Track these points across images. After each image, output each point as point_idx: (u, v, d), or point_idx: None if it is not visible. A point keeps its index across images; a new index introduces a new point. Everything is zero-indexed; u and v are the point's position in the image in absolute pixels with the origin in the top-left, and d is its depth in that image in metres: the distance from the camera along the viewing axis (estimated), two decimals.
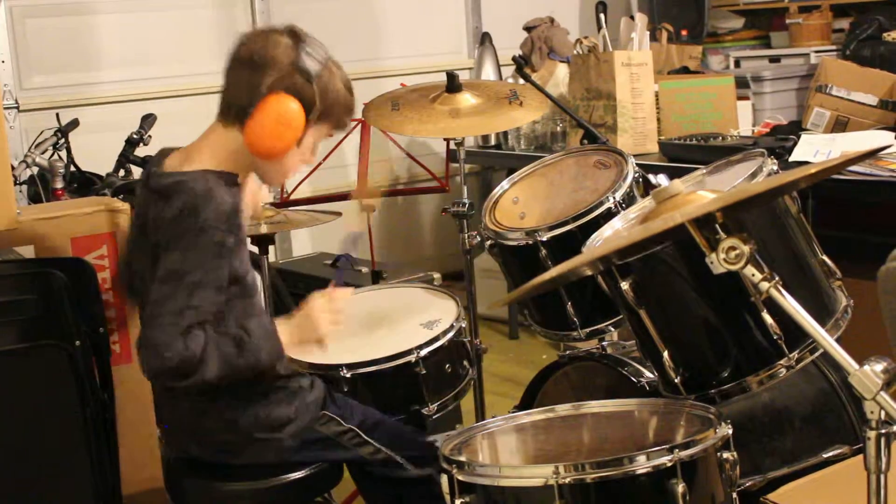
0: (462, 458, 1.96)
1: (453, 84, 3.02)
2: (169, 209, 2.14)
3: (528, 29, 5.24)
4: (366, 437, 2.40)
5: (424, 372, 2.64)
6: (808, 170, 1.82)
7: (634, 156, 2.89)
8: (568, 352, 2.83)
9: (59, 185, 3.77)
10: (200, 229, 2.10)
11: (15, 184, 3.49)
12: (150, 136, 4.01)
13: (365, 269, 4.45)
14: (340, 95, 2.24)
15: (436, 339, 2.69)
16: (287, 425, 2.31)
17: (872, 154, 1.85)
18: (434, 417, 2.69)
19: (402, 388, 2.65)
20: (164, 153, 2.34)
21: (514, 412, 2.28)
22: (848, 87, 4.24)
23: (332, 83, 2.22)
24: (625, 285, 2.11)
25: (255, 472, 2.35)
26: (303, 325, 2.25)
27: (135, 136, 3.97)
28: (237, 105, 2.19)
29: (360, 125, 4.15)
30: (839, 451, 2.39)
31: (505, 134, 4.94)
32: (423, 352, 2.64)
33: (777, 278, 1.73)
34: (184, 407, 2.30)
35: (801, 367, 2.09)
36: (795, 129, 4.22)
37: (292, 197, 4.02)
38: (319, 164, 4.17)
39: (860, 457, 1.68)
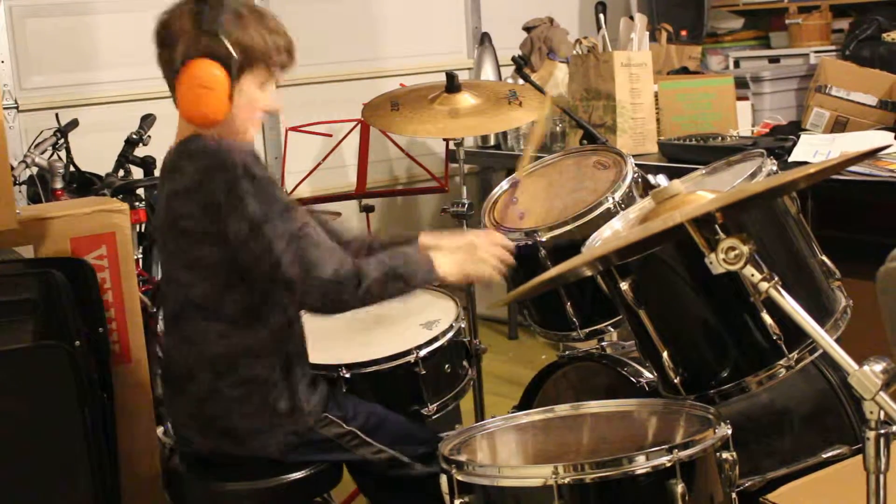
0: (461, 459, 1.96)
1: (453, 84, 3.02)
2: (181, 174, 2.18)
3: (527, 29, 5.23)
4: (367, 439, 2.40)
5: (424, 372, 2.64)
6: (807, 170, 1.82)
7: (634, 156, 2.89)
8: (567, 352, 2.83)
9: (59, 185, 3.76)
10: (243, 173, 2.12)
11: (14, 184, 3.49)
12: (149, 137, 4.01)
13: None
14: (259, 39, 2.21)
15: (435, 339, 2.69)
16: (289, 418, 2.30)
17: (872, 154, 1.86)
18: (433, 418, 2.69)
19: (401, 389, 2.65)
20: None
21: (513, 412, 2.28)
22: (847, 87, 4.24)
23: (246, 31, 2.20)
24: (624, 285, 2.11)
25: (254, 472, 2.34)
26: (469, 258, 2.35)
27: (134, 137, 3.97)
28: (170, 82, 2.23)
29: (359, 125, 4.16)
30: (838, 451, 2.39)
31: (504, 134, 4.93)
32: (423, 352, 2.64)
33: (776, 278, 1.73)
34: (189, 395, 2.31)
35: (801, 368, 2.09)
36: (795, 129, 4.21)
37: (292, 197, 4.02)
38: (319, 164, 4.19)
39: (859, 457, 1.68)
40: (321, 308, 2.21)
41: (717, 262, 1.73)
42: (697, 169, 2.62)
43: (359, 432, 2.39)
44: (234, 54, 2.17)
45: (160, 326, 2.57)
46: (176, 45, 2.18)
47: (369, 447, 2.40)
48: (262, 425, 2.29)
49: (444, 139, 3.69)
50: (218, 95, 2.17)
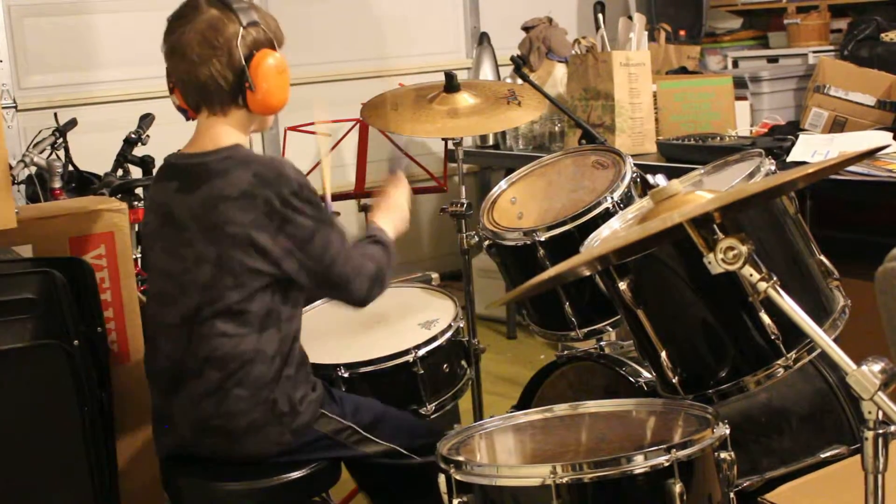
0: (460, 458, 1.96)
1: (451, 84, 3.02)
2: (234, 180, 2.24)
3: (526, 29, 5.23)
4: (365, 434, 2.40)
5: (422, 372, 2.64)
6: (805, 170, 1.82)
7: (632, 156, 2.89)
8: (566, 352, 2.83)
9: (58, 184, 3.76)
10: (298, 185, 2.25)
11: (13, 183, 3.48)
12: (148, 136, 4.01)
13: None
14: (270, 20, 2.35)
15: (434, 338, 2.69)
16: (288, 417, 2.31)
17: (870, 154, 1.86)
18: (432, 417, 2.69)
19: (399, 388, 2.65)
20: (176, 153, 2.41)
21: (511, 412, 2.28)
22: (846, 87, 4.25)
23: (264, 16, 2.34)
24: (623, 285, 2.11)
25: (253, 471, 2.35)
26: (399, 216, 2.63)
27: (133, 136, 3.96)
28: (225, 89, 2.27)
29: (357, 125, 4.16)
30: (837, 451, 2.39)
31: (503, 134, 4.93)
32: (421, 352, 2.65)
33: (775, 278, 1.73)
34: (187, 393, 2.31)
35: (799, 367, 2.09)
36: (793, 129, 4.22)
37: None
38: (318, 163, 4.19)
39: (858, 457, 1.68)
40: (364, 300, 2.38)
41: (716, 262, 1.73)
42: (696, 169, 2.62)
43: (357, 428, 2.40)
44: (274, 38, 2.30)
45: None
46: (231, 47, 2.24)
47: (368, 443, 2.40)
48: (261, 424, 2.29)
49: (443, 139, 3.69)
50: (288, 78, 2.32)
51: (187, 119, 2.39)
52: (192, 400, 2.31)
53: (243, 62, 2.24)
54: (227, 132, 2.32)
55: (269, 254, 2.24)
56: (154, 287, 2.41)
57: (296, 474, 2.35)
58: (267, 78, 2.26)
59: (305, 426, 2.34)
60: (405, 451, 2.42)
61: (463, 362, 2.82)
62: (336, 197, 4.14)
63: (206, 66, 2.25)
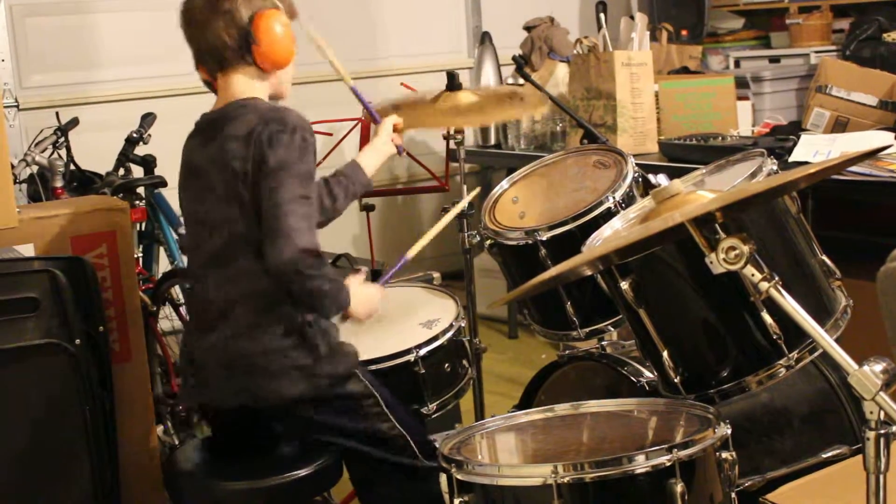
0: (461, 458, 1.96)
1: (453, 83, 3.02)
2: (243, 122, 2.34)
3: (528, 28, 5.23)
4: (386, 410, 2.43)
5: (423, 371, 2.64)
6: (807, 170, 1.82)
7: (634, 156, 2.89)
8: (567, 351, 2.83)
9: (59, 183, 3.77)
10: (292, 129, 2.33)
11: (15, 182, 3.49)
12: (149, 135, 4.01)
13: (365, 269, 4.44)
14: None
15: (435, 338, 2.69)
16: (328, 360, 2.35)
17: (872, 154, 1.86)
18: (433, 417, 2.69)
19: (401, 388, 2.64)
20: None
21: (513, 412, 2.28)
22: (848, 87, 4.24)
23: None
24: (624, 285, 2.11)
25: (254, 471, 2.35)
26: (384, 149, 2.76)
27: (134, 135, 3.97)
28: (231, 48, 2.39)
29: (359, 124, 4.15)
30: (838, 451, 2.39)
31: (505, 133, 4.93)
32: (423, 351, 2.65)
33: (776, 278, 1.73)
34: (220, 332, 2.35)
35: (801, 368, 2.09)
36: (795, 129, 4.21)
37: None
38: (319, 163, 4.18)
39: (859, 457, 1.68)
40: (277, 267, 2.28)
41: (718, 262, 1.73)
42: (698, 168, 2.62)
43: (380, 400, 2.43)
44: (279, 5, 2.41)
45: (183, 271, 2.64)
46: (234, 8, 2.35)
47: (386, 420, 2.43)
48: (298, 363, 2.33)
49: (445, 138, 3.69)
50: (291, 38, 2.43)
51: (214, 92, 2.50)
52: (224, 340, 2.35)
53: (245, 20, 2.36)
54: (242, 87, 2.43)
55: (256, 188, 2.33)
56: (188, 237, 2.52)
57: (297, 473, 2.35)
58: (268, 32, 2.37)
59: (341, 377, 2.38)
60: (413, 446, 2.43)
61: (464, 362, 2.82)
62: None
63: (213, 27, 2.37)
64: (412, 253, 2.72)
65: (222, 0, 2.37)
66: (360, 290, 2.46)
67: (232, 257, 2.35)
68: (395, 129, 2.80)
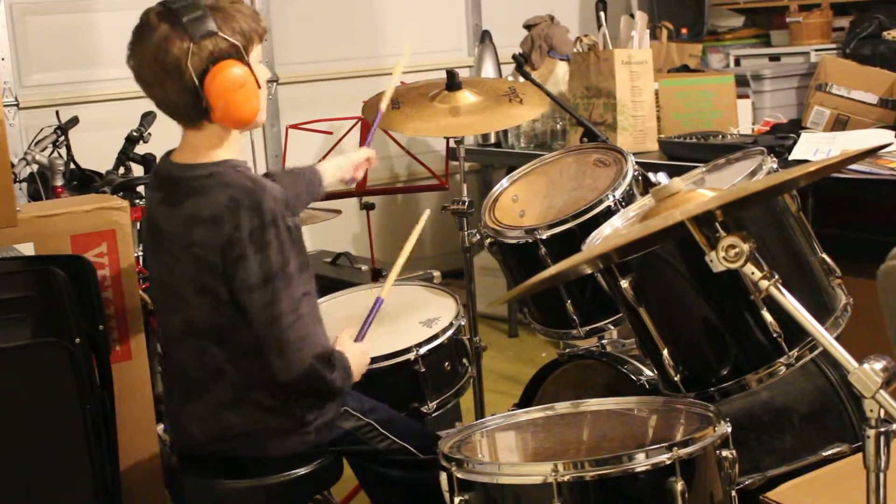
0: (461, 456, 1.96)
1: (453, 82, 3.02)
2: (210, 201, 2.15)
3: (528, 27, 5.23)
4: (382, 431, 2.41)
5: (424, 370, 2.64)
6: (807, 168, 1.82)
7: (634, 154, 2.89)
8: (567, 350, 2.83)
9: (59, 182, 3.76)
10: (272, 222, 2.11)
11: (15, 181, 3.49)
12: (149, 134, 4.00)
13: (365, 267, 4.45)
14: (242, 18, 2.18)
15: (435, 337, 2.69)
16: (313, 422, 2.32)
17: (872, 152, 1.85)
18: (433, 415, 2.69)
19: (401, 386, 2.65)
20: (166, 156, 2.35)
21: (513, 410, 2.28)
22: (848, 85, 4.24)
23: (230, 16, 2.16)
24: (624, 283, 2.11)
25: (255, 469, 2.34)
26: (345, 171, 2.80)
27: (134, 134, 3.96)
28: (190, 108, 2.17)
29: (359, 123, 4.16)
30: (838, 449, 2.39)
31: (505, 132, 4.93)
32: (423, 350, 2.64)
33: (777, 276, 1.73)
34: (203, 403, 2.30)
35: (801, 366, 2.09)
36: (795, 127, 4.21)
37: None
38: (319, 161, 4.19)
39: (859, 455, 1.68)
40: (289, 381, 2.20)
41: (718, 260, 1.73)
42: (698, 167, 2.62)
43: (376, 425, 2.41)
44: (238, 42, 2.15)
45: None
46: (183, 68, 2.11)
47: (385, 440, 2.41)
48: (286, 428, 2.30)
49: (445, 137, 3.70)
50: (252, 86, 2.17)
51: None
52: (209, 410, 2.30)
53: (195, 82, 2.11)
54: (208, 144, 2.23)
55: (228, 284, 2.17)
56: (154, 294, 2.41)
57: (298, 472, 2.35)
58: (224, 95, 2.13)
59: (329, 424, 2.35)
60: (415, 451, 2.43)
61: (464, 360, 2.82)
62: (336, 196, 4.14)
63: (163, 88, 2.16)
64: (385, 294, 2.58)
65: (168, 52, 2.11)
66: (354, 355, 2.33)
67: (205, 335, 2.24)
68: (367, 163, 2.85)
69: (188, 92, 2.14)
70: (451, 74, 3.02)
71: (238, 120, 2.19)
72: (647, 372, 2.55)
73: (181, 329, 2.29)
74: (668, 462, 1.83)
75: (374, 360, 2.60)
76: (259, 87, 2.22)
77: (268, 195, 2.13)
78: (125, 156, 3.96)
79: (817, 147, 3.62)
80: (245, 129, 2.29)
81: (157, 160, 2.40)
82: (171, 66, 2.12)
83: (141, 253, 4.04)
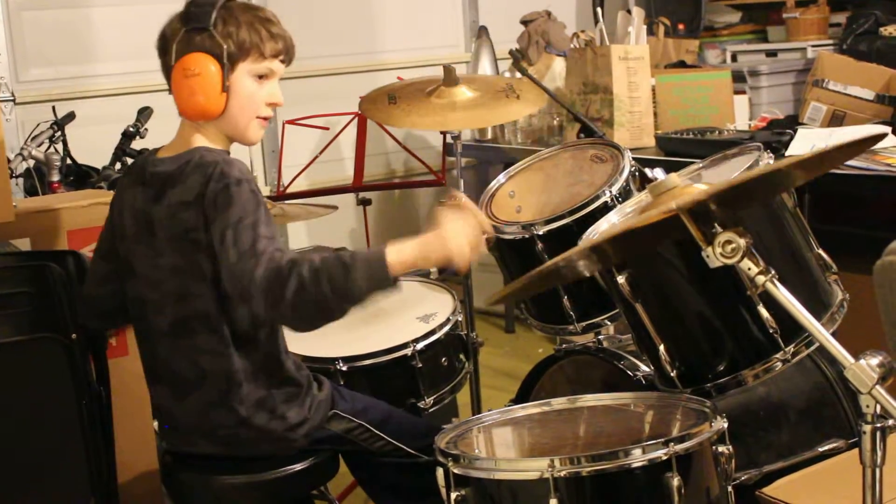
0: (458, 452, 1.96)
1: (450, 77, 3.02)
2: (188, 186, 2.16)
3: (524, 23, 5.23)
4: (376, 432, 2.40)
5: (420, 365, 2.64)
6: (798, 157, 1.81)
7: (631, 150, 2.89)
8: (564, 345, 2.83)
9: (56, 177, 3.76)
10: (237, 182, 2.11)
11: (11, 177, 3.48)
12: (146, 130, 4.00)
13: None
14: (249, 29, 2.20)
15: (432, 332, 2.69)
16: (301, 426, 2.31)
17: (864, 145, 1.85)
18: (430, 411, 2.69)
19: (398, 382, 2.65)
20: (152, 153, 2.35)
21: (510, 406, 2.28)
22: (845, 81, 4.24)
23: (236, 22, 2.19)
24: (621, 279, 2.11)
25: (252, 465, 2.34)
26: (435, 242, 2.13)
27: (131, 130, 3.96)
28: (171, 92, 2.25)
29: (356, 118, 4.15)
30: (835, 444, 2.39)
31: (501, 128, 4.93)
32: (420, 345, 2.65)
33: (773, 272, 1.73)
34: (193, 403, 2.30)
35: (797, 361, 2.09)
36: (792, 123, 4.21)
37: (288, 190, 4.02)
38: (316, 157, 4.19)
39: (856, 451, 1.68)
40: (262, 300, 2.03)
41: (714, 256, 1.73)
42: (695, 163, 2.62)
43: (368, 426, 2.40)
44: (225, 45, 2.17)
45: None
46: (170, 49, 2.21)
47: (378, 441, 2.40)
48: (274, 435, 2.29)
49: (442, 132, 3.69)
50: (208, 82, 2.17)
51: None
52: (199, 409, 2.30)
53: (172, 63, 2.21)
54: (189, 133, 2.27)
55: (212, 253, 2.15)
56: (135, 292, 2.35)
57: (294, 468, 2.34)
58: (177, 80, 2.19)
59: (318, 427, 2.34)
60: (412, 450, 2.42)
61: (461, 356, 2.82)
62: (334, 191, 4.14)
63: (162, 60, 2.27)
64: None
65: (167, 31, 2.24)
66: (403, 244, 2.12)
67: (191, 331, 2.25)
68: (485, 239, 2.22)
69: (167, 72, 2.24)
70: (448, 70, 3.02)
71: (185, 109, 2.22)
72: (644, 367, 2.56)
73: (168, 328, 2.29)
74: (665, 457, 1.83)
75: (370, 355, 2.61)
76: (222, 91, 2.19)
77: (233, 165, 2.16)
78: (122, 151, 3.95)
79: (814, 143, 3.62)
80: (229, 128, 2.26)
81: (139, 159, 2.41)
82: (165, 44, 2.24)
83: None
